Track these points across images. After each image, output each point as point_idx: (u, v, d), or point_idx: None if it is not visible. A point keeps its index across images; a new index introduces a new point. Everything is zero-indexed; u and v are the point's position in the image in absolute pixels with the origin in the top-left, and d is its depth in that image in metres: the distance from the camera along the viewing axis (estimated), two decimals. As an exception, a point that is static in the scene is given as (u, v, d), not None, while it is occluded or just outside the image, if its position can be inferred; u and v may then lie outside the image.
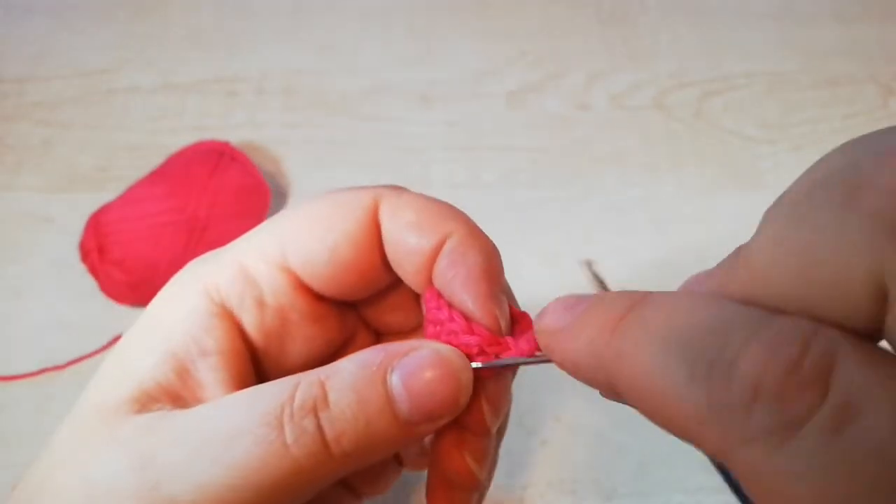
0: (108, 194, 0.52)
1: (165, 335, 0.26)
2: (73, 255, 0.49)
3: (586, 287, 0.51)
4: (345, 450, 0.23)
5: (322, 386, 0.24)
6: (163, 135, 0.59)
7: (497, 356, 0.25)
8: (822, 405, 0.16)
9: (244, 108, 0.61)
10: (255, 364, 0.28)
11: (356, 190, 0.28)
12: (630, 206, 0.55)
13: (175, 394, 0.26)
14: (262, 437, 0.23)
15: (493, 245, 0.28)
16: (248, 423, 0.23)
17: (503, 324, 0.26)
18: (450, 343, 0.25)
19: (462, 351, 0.25)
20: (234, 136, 0.57)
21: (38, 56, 0.64)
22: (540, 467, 0.44)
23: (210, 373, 0.26)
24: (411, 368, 0.24)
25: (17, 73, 0.63)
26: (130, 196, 0.50)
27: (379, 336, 0.32)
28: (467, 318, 0.25)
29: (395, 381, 0.24)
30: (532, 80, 0.63)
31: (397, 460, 0.33)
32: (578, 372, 0.22)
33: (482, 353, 0.25)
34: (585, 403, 0.46)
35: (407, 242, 0.27)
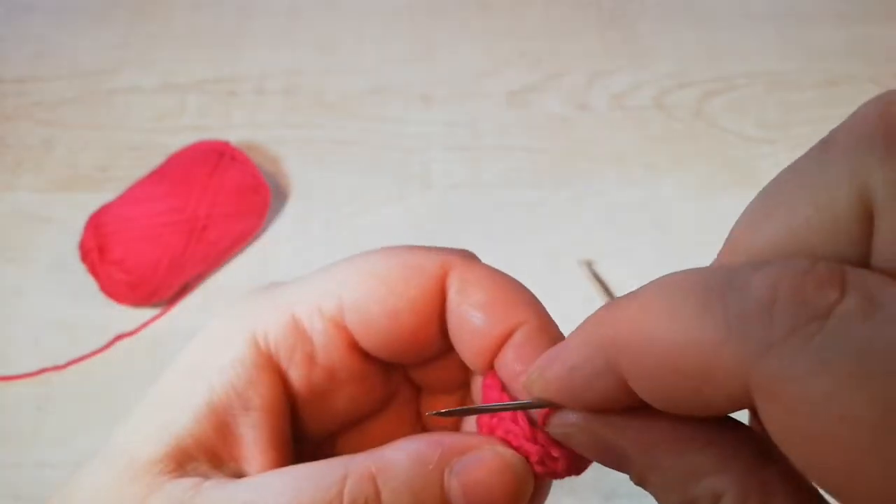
0: (108, 194, 0.52)
1: (207, 386, 0.24)
2: (73, 255, 0.49)
3: (586, 287, 0.51)
4: None
5: (374, 482, 0.22)
6: (163, 135, 0.59)
7: (554, 471, 0.24)
8: (843, 299, 0.16)
9: (244, 108, 0.61)
10: (293, 417, 0.27)
11: (424, 252, 0.26)
12: (630, 206, 0.55)
13: (212, 451, 0.24)
14: None
15: (557, 329, 0.26)
16: None
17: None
18: (507, 442, 0.24)
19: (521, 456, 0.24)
20: (234, 136, 0.57)
21: (38, 56, 0.64)
22: (540, 467, 0.44)
23: (250, 430, 0.25)
24: (472, 472, 0.23)
25: (17, 73, 0.63)
26: (130, 196, 0.50)
27: (419, 391, 0.31)
28: (531, 422, 0.23)
29: (454, 483, 0.23)
30: (532, 80, 0.63)
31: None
32: (575, 387, 0.21)
33: (541, 463, 0.24)
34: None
35: (472, 323, 0.25)
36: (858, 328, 0.16)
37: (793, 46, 0.65)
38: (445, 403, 0.29)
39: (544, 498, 0.26)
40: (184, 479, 0.24)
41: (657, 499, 0.21)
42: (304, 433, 0.26)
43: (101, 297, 0.50)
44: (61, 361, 0.48)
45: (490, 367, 0.25)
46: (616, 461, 0.21)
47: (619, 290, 0.50)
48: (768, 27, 0.67)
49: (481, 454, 0.23)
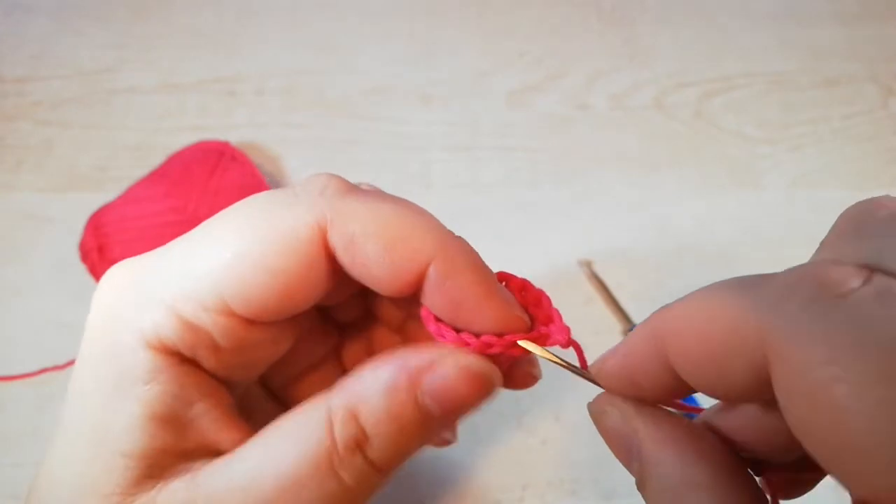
0: (108, 194, 0.52)
1: (139, 402, 0.24)
2: (73, 255, 0.49)
3: (586, 287, 0.51)
4: (391, 466, 0.24)
5: (356, 420, 0.23)
6: (163, 135, 0.59)
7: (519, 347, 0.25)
8: (863, 287, 0.17)
9: (244, 108, 0.61)
10: (228, 383, 0.27)
11: (291, 207, 0.24)
12: (630, 206, 0.55)
13: (180, 450, 0.25)
14: (324, 485, 0.23)
15: (465, 243, 0.26)
16: (302, 475, 0.23)
17: (521, 314, 0.26)
18: (465, 345, 0.25)
19: (484, 351, 0.25)
20: (234, 136, 0.57)
21: (38, 56, 0.64)
22: (540, 467, 0.44)
23: (203, 418, 0.25)
24: (442, 387, 0.24)
25: (17, 73, 0.63)
26: (130, 196, 0.50)
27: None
28: (476, 335, 0.25)
29: (427, 399, 0.24)
30: (532, 80, 0.63)
31: (342, 371, 0.32)
32: (626, 370, 0.23)
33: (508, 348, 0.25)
34: (585, 403, 0.46)
35: (375, 278, 0.25)
36: (871, 308, 0.17)
37: (793, 46, 0.65)
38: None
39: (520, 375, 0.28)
40: (174, 481, 0.24)
41: (649, 497, 0.22)
42: (247, 391, 0.27)
43: (101, 297, 0.50)
44: (61, 361, 0.48)
45: (422, 304, 0.25)
46: (628, 450, 0.23)
47: (619, 290, 0.51)
48: (768, 27, 0.67)
49: (446, 368, 0.24)
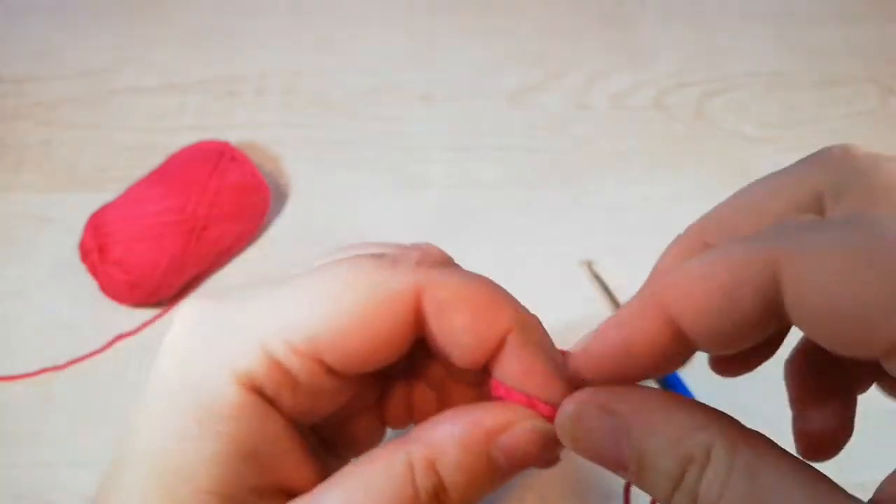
0: (108, 194, 0.52)
1: (220, 439, 0.25)
2: (73, 255, 0.49)
3: (586, 287, 0.51)
4: None
5: (434, 470, 0.25)
6: (163, 135, 0.59)
7: None
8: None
9: (244, 108, 0.61)
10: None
11: (393, 272, 0.26)
12: (630, 206, 0.55)
13: (256, 488, 0.25)
14: None
15: (537, 318, 0.28)
16: None
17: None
18: (534, 408, 0.27)
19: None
20: (234, 136, 0.57)
21: (38, 56, 0.64)
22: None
23: (280, 457, 0.26)
24: (514, 445, 0.26)
25: (17, 73, 0.63)
26: (130, 196, 0.50)
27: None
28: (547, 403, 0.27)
29: (498, 454, 0.26)
30: (532, 80, 0.63)
31: (381, 420, 0.34)
32: (627, 339, 0.23)
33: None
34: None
35: (459, 345, 0.27)
36: (883, 222, 0.19)
37: (793, 46, 0.65)
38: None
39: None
40: None
41: (653, 481, 0.23)
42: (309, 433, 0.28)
43: (101, 297, 0.50)
44: (61, 361, 0.48)
45: (485, 367, 0.27)
46: (614, 439, 0.23)
47: (619, 290, 0.50)
48: (768, 27, 0.67)
49: (520, 429, 0.26)
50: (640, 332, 0.23)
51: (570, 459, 0.46)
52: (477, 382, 0.31)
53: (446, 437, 0.25)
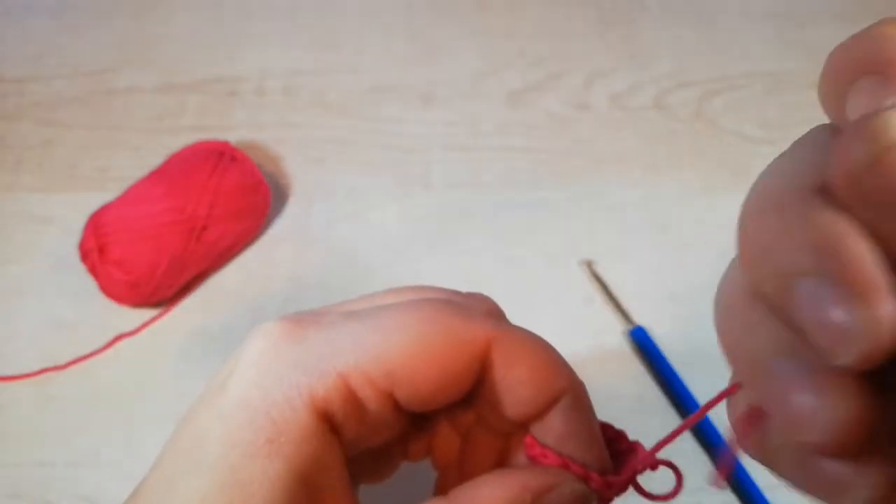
0: (108, 194, 0.52)
1: (286, 460, 0.25)
2: (73, 255, 0.49)
3: (586, 287, 0.51)
4: None
5: None
6: (163, 135, 0.59)
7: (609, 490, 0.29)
8: None
9: (244, 108, 0.61)
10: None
11: (468, 321, 0.28)
12: (630, 206, 0.55)
13: None
14: None
15: (584, 386, 0.29)
16: None
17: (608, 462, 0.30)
18: (570, 471, 0.28)
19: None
20: (234, 136, 0.57)
21: (38, 56, 0.64)
22: (540, 467, 0.44)
23: (332, 487, 0.26)
24: None
25: (17, 73, 0.63)
26: (130, 196, 0.50)
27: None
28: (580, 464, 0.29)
29: None
30: (532, 80, 0.63)
31: (402, 452, 0.34)
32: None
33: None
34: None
35: (518, 396, 0.28)
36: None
37: (793, 46, 0.65)
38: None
39: None
40: None
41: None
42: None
43: (101, 297, 0.50)
44: (61, 361, 0.48)
45: (527, 431, 0.29)
46: None
47: (619, 291, 0.51)
48: (768, 27, 0.67)
49: (563, 492, 0.27)
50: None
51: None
52: (504, 434, 0.32)
53: (493, 500, 0.26)
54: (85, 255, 0.49)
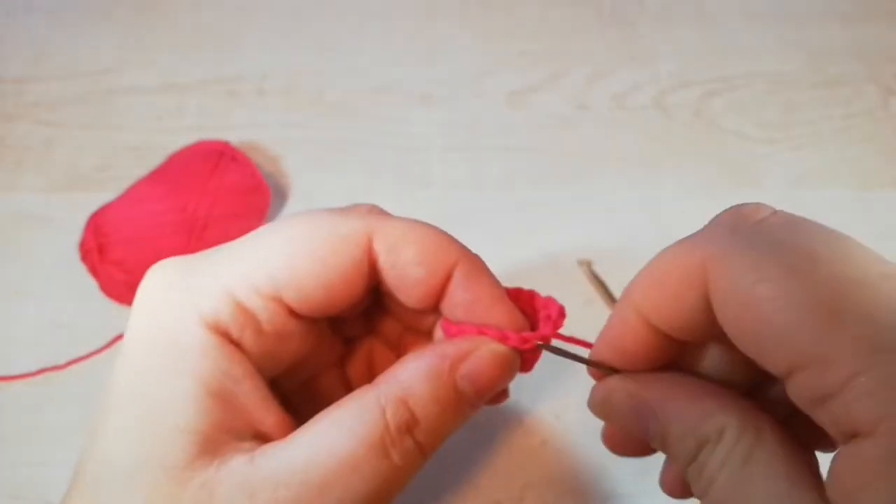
0: (108, 194, 0.52)
1: (193, 377, 0.26)
2: (73, 255, 0.49)
3: (586, 287, 0.51)
4: (434, 447, 0.27)
5: (406, 404, 0.27)
6: (163, 135, 0.59)
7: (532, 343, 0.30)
8: (775, 214, 0.24)
9: (244, 108, 0.61)
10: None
11: (345, 218, 0.28)
12: (630, 206, 0.55)
13: (231, 428, 0.26)
14: (376, 465, 0.26)
15: (478, 256, 0.30)
16: (358, 456, 0.25)
17: (520, 314, 0.30)
18: (486, 336, 0.29)
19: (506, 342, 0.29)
20: (234, 136, 0.57)
21: (38, 56, 0.64)
22: (540, 467, 0.44)
23: (249, 398, 0.27)
24: (477, 369, 0.28)
25: (17, 73, 0.63)
26: (130, 196, 0.50)
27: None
28: (496, 329, 0.29)
29: (464, 384, 0.28)
30: (532, 80, 0.63)
31: (343, 379, 0.35)
32: (617, 345, 0.27)
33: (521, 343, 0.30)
34: (585, 403, 0.46)
35: (412, 277, 0.28)
36: (780, 229, 0.22)
37: (793, 46, 0.65)
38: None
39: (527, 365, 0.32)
40: (232, 460, 0.25)
41: (674, 454, 0.25)
42: (272, 383, 0.29)
43: (101, 297, 0.50)
44: (61, 361, 0.48)
45: (435, 305, 0.29)
46: (643, 419, 0.26)
47: (619, 291, 0.50)
48: (768, 27, 0.67)
49: (481, 353, 0.28)
50: (623, 331, 0.26)
51: (570, 460, 0.46)
52: (430, 334, 0.33)
53: (413, 373, 0.27)
54: (85, 255, 0.49)
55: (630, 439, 0.28)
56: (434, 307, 0.30)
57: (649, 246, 0.43)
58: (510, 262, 0.52)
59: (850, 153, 0.58)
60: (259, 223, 0.53)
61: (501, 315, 0.29)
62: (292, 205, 0.56)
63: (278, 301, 0.27)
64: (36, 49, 0.64)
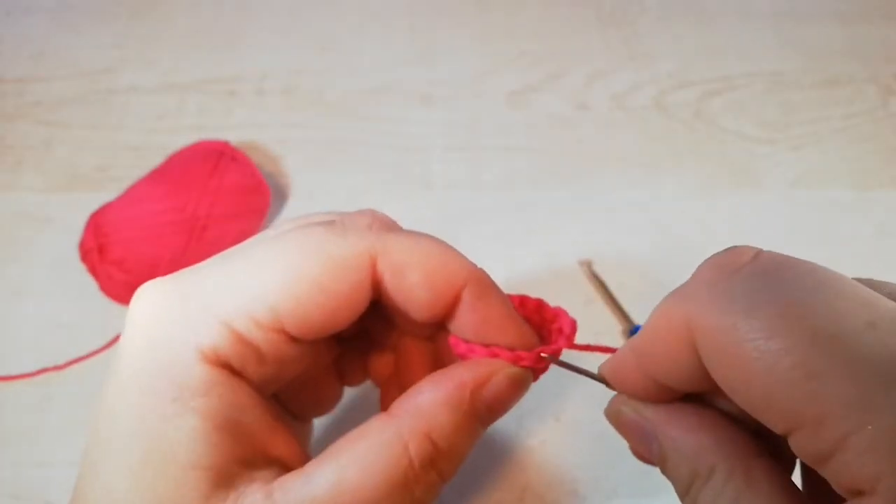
0: (108, 194, 0.52)
1: (198, 413, 0.25)
2: (73, 255, 0.49)
3: (586, 287, 0.51)
4: (455, 473, 0.27)
5: (429, 439, 0.26)
6: (163, 135, 0.59)
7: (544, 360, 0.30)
8: (755, 260, 0.22)
9: (244, 108, 0.61)
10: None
11: (345, 238, 0.27)
12: (630, 206, 0.55)
13: (243, 459, 0.26)
14: (396, 499, 0.25)
15: (487, 273, 0.30)
16: (381, 494, 0.25)
17: (531, 331, 0.30)
18: (499, 357, 0.29)
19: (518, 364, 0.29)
20: (234, 136, 0.57)
21: (38, 56, 0.64)
22: (540, 467, 0.44)
23: (257, 425, 0.27)
24: (495, 395, 0.28)
25: (17, 73, 0.63)
26: (130, 196, 0.50)
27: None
28: (507, 349, 0.29)
29: (483, 409, 0.28)
30: (532, 80, 0.63)
31: (340, 379, 0.34)
32: (622, 378, 0.26)
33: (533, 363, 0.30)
34: (585, 403, 0.46)
35: (417, 302, 0.28)
36: (760, 279, 0.21)
37: (793, 46, 0.65)
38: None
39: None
40: (248, 493, 0.25)
41: (672, 479, 0.25)
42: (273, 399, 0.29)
43: (101, 297, 0.50)
44: (61, 361, 0.48)
45: (442, 323, 0.29)
46: (645, 438, 0.26)
47: (619, 291, 0.51)
48: (768, 27, 0.67)
49: (499, 380, 0.28)
50: (632, 385, 0.26)
51: (570, 461, 0.46)
52: (431, 338, 0.32)
53: (435, 405, 0.27)
54: (85, 255, 0.49)
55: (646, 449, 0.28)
56: (440, 325, 0.29)
57: (649, 246, 0.43)
58: (510, 262, 0.52)
59: (850, 153, 0.58)
60: (259, 223, 0.53)
61: (513, 335, 0.29)
62: (292, 204, 0.56)
63: (279, 331, 0.27)
64: (36, 49, 0.64)
